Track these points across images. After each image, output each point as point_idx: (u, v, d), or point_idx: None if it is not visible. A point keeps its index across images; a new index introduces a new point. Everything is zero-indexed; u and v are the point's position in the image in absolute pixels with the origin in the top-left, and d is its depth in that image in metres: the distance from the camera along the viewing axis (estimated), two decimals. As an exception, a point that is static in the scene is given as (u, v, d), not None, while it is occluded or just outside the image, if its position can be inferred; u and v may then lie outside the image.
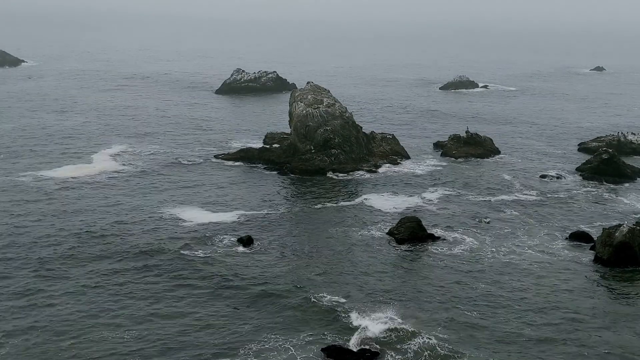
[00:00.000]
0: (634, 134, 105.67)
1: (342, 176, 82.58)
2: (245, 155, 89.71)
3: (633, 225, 59.37)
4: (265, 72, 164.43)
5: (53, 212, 66.04)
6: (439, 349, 42.09)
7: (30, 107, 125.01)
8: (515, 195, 76.86)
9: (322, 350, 41.45)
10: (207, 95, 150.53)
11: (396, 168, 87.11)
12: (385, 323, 45.05)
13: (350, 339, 42.95)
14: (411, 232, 60.62)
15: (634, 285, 53.10)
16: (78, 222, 63.22)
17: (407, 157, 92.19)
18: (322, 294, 49.15)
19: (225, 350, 41.58)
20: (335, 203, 72.02)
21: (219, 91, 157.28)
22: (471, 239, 62.03)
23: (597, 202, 75.52)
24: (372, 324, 44.86)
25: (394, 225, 63.13)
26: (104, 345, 41.66)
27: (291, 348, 41.86)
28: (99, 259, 54.86)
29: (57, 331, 43.18)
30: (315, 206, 70.88)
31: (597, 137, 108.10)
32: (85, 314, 45.32)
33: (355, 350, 41.54)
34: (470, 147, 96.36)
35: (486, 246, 60.24)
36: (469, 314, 46.88)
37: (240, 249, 57.94)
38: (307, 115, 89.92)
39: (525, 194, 77.48)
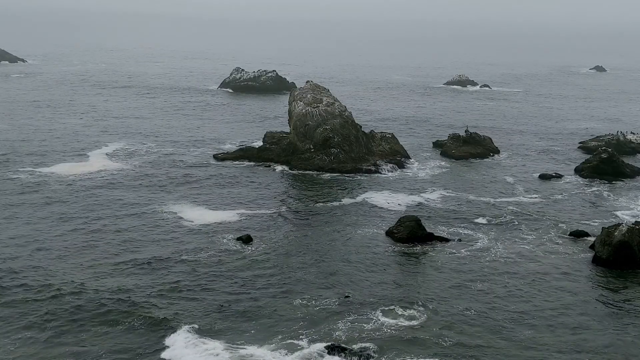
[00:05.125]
0: (634, 134, 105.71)
1: (341, 175, 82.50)
2: (245, 155, 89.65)
3: (632, 224, 59.34)
4: (264, 71, 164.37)
5: (47, 209, 65.91)
6: (436, 347, 42.05)
7: (28, 106, 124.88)
8: (514, 195, 76.82)
9: (325, 347, 41.46)
10: (206, 94, 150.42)
11: (396, 167, 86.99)
12: (383, 322, 45.04)
13: (350, 337, 42.91)
14: (410, 232, 60.54)
15: (633, 285, 53.05)
16: (74, 221, 63.12)
17: (407, 156, 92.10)
18: (319, 294, 49.10)
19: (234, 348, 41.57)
20: (335, 202, 71.95)
21: (218, 90, 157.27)
22: (470, 238, 61.96)
23: (596, 201, 75.52)
24: (369, 323, 44.85)
25: (393, 224, 63.07)
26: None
27: (297, 345, 41.80)
28: (96, 259, 54.75)
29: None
30: (315, 205, 70.83)
31: (597, 137, 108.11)
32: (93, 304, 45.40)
33: (355, 348, 41.47)
34: (470, 146, 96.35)
35: (485, 245, 60.17)
36: (467, 313, 46.82)
37: (240, 248, 57.85)
38: (306, 114, 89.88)
39: (525, 193, 77.44)
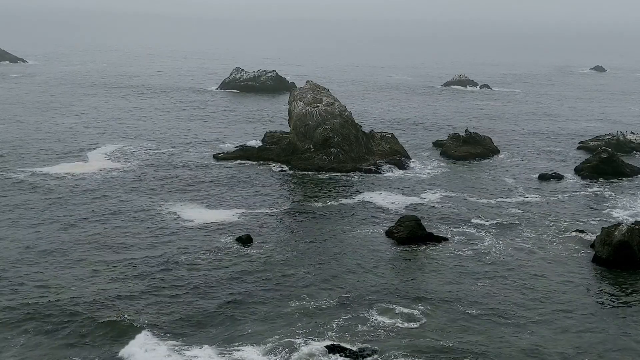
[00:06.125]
0: (633, 133, 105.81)
1: (341, 175, 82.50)
2: (244, 154, 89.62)
3: (632, 224, 59.31)
4: (264, 70, 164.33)
5: (46, 209, 65.84)
6: (436, 348, 42.01)
7: (28, 106, 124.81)
8: (514, 195, 76.77)
9: (325, 347, 41.47)
10: (205, 94, 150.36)
11: (395, 167, 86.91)
12: (383, 322, 45.02)
13: (350, 337, 42.90)
14: (410, 231, 60.48)
15: (633, 285, 53.01)
16: (72, 221, 63.07)
17: (407, 156, 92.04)
18: (319, 294, 49.08)
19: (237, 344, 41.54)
20: (335, 202, 71.91)
21: (218, 90, 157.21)
22: (470, 238, 61.93)
23: (596, 201, 75.46)
24: (368, 323, 44.83)
25: (393, 224, 63.01)
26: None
27: (296, 344, 41.84)
28: (94, 259, 54.70)
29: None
30: (315, 205, 70.77)
31: (597, 136, 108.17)
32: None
33: (354, 348, 41.47)
34: (470, 146, 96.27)
35: (485, 245, 60.13)
36: (467, 313, 46.79)
37: (239, 248, 57.80)
38: (306, 114, 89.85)
39: (525, 193, 77.40)
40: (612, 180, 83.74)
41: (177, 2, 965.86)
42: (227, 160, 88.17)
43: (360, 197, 73.73)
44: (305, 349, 41.40)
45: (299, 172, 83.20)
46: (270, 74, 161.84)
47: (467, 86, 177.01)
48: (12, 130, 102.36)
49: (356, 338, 42.88)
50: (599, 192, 79.04)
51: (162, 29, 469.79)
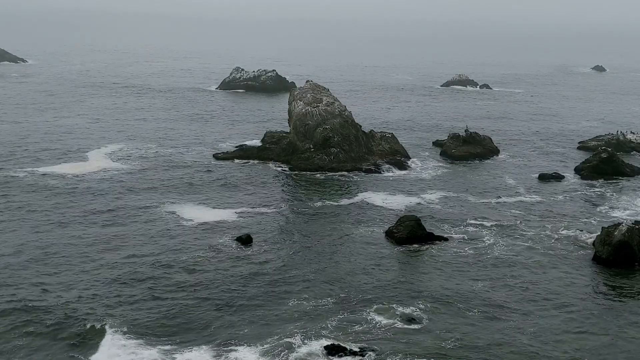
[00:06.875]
0: (633, 133, 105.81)
1: (341, 175, 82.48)
2: (244, 154, 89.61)
3: (632, 224, 59.29)
4: (264, 70, 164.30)
5: (45, 209, 65.78)
6: (436, 349, 41.99)
7: (28, 106, 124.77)
8: (514, 195, 76.76)
9: (325, 347, 41.45)
10: (205, 94, 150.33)
11: (395, 167, 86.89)
12: (382, 322, 44.99)
13: (349, 337, 42.87)
14: (410, 231, 60.46)
15: (633, 285, 53.00)
16: (72, 220, 63.03)
17: (407, 156, 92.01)
18: (318, 293, 49.05)
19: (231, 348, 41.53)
20: (335, 202, 71.90)
21: (217, 90, 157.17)
22: (470, 238, 61.90)
23: (596, 201, 75.44)
24: (368, 323, 44.81)
25: (393, 224, 62.99)
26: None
27: (294, 344, 41.79)
28: (93, 259, 54.69)
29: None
30: (315, 205, 70.75)
31: (597, 136, 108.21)
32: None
33: (353, 348, 41.45)
34: (470, 146, 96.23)
35: (485, 245, 60.12)
36: (467, 313, 46.78)
37: (239, 247, 57.81)
38: (306, 114, 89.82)
39: (524, 193, 77.39)
40: (612, 180, 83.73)
41: (177, 2, 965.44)
42: (227, 160, 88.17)
43: (360, 197, 73.71)
44: (303, 349, 41.44)
45: (299, 172, 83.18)
46: (270, 74, 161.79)
47: (467, 86, 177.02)
48: (12, 130, 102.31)
49: (351, 338, 42.85)
50: (599, 192, 79.03)
51: (162, 29, 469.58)
